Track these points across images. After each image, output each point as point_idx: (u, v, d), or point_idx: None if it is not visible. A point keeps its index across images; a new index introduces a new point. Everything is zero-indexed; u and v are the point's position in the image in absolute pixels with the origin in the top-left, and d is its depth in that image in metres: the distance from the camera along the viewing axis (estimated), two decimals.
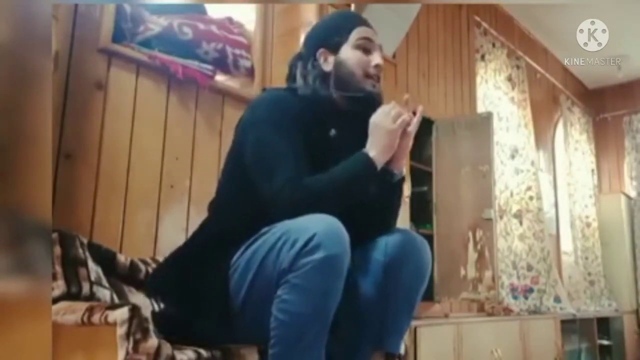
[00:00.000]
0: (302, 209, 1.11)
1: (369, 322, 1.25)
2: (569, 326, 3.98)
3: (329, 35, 1.34)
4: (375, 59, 1.32)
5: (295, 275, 1.03)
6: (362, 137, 1.30)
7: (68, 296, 1.28)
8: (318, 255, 1.02)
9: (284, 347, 1.04)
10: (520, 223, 3.93)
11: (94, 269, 1.42)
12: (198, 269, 1.20)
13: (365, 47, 1.32)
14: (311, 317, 1.03)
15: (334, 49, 1.32)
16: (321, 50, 1.33)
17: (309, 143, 1.22)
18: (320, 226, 1.04)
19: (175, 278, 1.25)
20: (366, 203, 1.28)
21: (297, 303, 1.03)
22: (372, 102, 1.30)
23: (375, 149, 1.21)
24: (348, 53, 1.31)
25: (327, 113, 1.30)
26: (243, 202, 1.23)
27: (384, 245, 1.26)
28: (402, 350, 1.43)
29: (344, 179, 1.19)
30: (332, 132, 1.31)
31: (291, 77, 1.36)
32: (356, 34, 1.33)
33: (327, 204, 1.14)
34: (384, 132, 1.21)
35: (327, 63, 1.32)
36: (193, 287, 1.19)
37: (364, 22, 1.37)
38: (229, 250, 1.18)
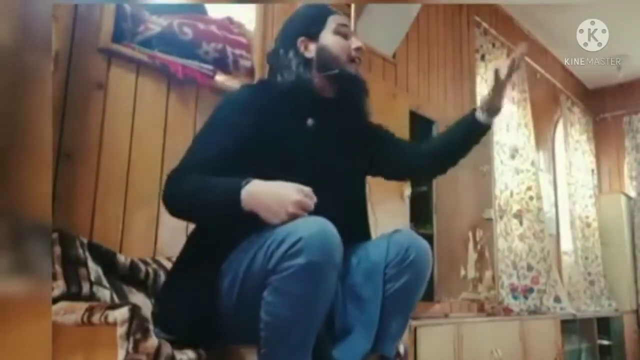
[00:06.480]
0: (168, 201, 1.17)
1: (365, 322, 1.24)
2: (569, 326, 3.98)
3: (307, 24, 1.38)
4: (355, 42, 1.38)
5: (277, 277, 1.02)
6: (341, 128, 1.35)
7: (68, 296, 1.28)
8: (299, 260, 1.00)
9: (270, 348, 1.05)
10: (520, 223, 3.93)
11: (94, 269, 1.42)
12: (188, 277, 1.20)
13: (344, 33, 1.37)
14: (293, 320, 1.02)
15: (314, 36, 1.36)
16: (301, 39, 1.36)
17: (277, 136, 1.24)
18: (309, 230, 1.02)
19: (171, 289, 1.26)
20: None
21: (279, 306, 1.03)
22: (357, 83, 1.36)
23: (261, 210, 1.09)
24: (329, 39, 1.36)
25: (306, 100, 1.31)
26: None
27: (386, 245, 1.24)
28: (402, 351, 1.42)
29: (210, 196, 1.13)
30: (310, 121, 1.31)
31: (272, 72, 1.38)
32: (333, 21, 1.38)
33: (186, 206, 1.17)
34: (277, 203, 1.07)
35: (309, 51, 1.35)
36: (184, 296, 1.18)
37: (336, 11, 1.43)
38: (218, 255, 1.16)
